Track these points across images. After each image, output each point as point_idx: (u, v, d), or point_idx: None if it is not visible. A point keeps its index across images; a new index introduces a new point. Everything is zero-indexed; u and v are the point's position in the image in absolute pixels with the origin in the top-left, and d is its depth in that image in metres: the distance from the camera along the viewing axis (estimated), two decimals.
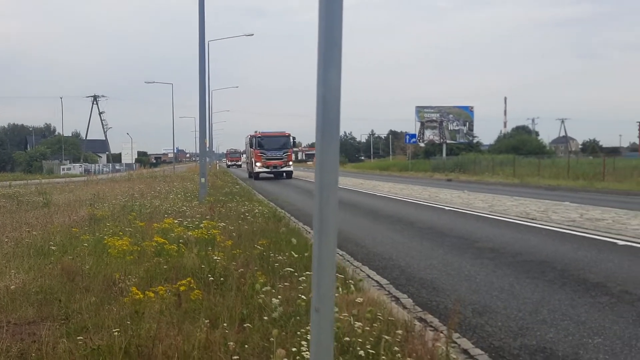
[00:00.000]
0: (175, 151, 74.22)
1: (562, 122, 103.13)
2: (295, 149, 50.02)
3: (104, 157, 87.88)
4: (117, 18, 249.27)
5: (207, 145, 24.78)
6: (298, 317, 4.38)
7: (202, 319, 4.25)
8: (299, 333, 3.96)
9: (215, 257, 6.33)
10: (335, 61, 2.10)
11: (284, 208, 15.76)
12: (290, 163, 38.67)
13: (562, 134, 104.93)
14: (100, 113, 77.67)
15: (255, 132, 39.35)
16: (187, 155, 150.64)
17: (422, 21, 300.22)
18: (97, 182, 28.95)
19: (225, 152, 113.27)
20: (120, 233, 8.40)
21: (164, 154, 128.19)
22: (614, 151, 78.19)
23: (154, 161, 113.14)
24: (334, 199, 2.14)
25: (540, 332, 4.95)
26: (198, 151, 22.75)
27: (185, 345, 3.71)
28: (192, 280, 4.83)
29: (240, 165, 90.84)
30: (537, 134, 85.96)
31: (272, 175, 38.63)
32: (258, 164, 37.73)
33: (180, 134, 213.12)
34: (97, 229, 9.27)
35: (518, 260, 8.16)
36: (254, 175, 38.16)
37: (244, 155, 56.39)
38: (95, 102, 76.61)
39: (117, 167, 68.61)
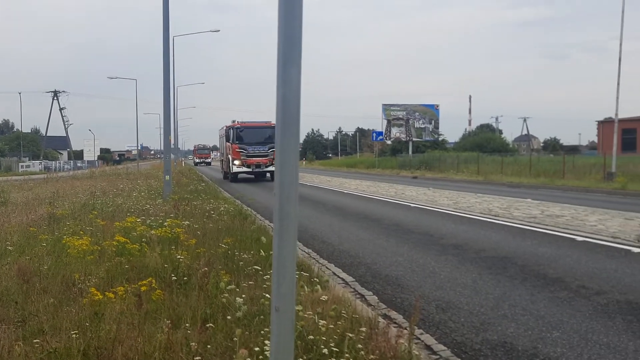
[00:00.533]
0: (139, 148, 73.01)
1: (525, 120, 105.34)
2: None
3: (65, 154, 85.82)
4: (81, 11, 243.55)
5: (172, 142, 24.37)
6: (262, 316, 4.35)
7: (164, 319, 4.18)
8: (262, 332, 3.93)
9: (179, 257, 6.24)
10: (295, 60, 2.08)
11: (250, 206, 15.67)
12: None
13: (525, 132, 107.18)
14: (61, 109, 75.67)
15: (234, 121, 31.65)
16: (152, 152, 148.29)
17: (389, 19, 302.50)
18: (58, 180, 28.22)
19: (192, 148, 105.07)
20: (81, 232, 8.21)
21: (127, 150, 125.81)
22: (574, 149, 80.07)
23: (117, 158, 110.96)
24: (295, 196, 2.12)
25: (501, 327, 5.04)
26: (162, 148, 22.42)
27: (146, 347, 3.64)
28: (153, 280, 4.75)
29: (209, 163, 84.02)
30: (500, 132, 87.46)
31: (252, 176, 32.16)
32: (236, 162, 30.46)
33: (145, 130, 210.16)
34: (57, 228, 9.03)
35: (481, 256, 8.30)
36: (231, 177, 31.38)
37: (214, 153, 52.72)
38: (55, 98, 74.63)
39: (78, 165, 67.07)
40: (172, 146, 29.89)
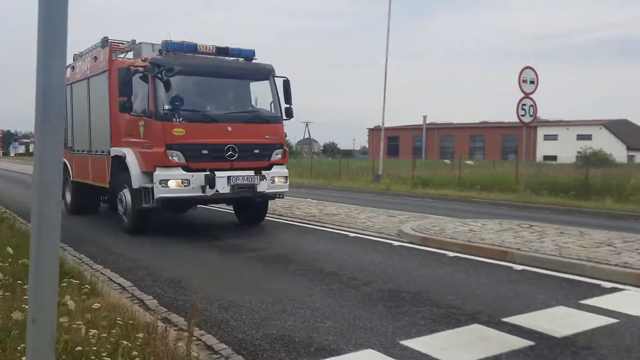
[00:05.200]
0: None
1: (307, 125, 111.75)
2: None
3: None
4: None
5: None
6: (17, 331, 3.87)
7: None
8: (19, 348, 3.50)
9: None
10: (58, 49, 1.87)
11: (9, 207, 13.88)
12: None
13: (307, 136, 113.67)
14: None
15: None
16: None
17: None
18: None
19: None
20: None
21: None
22: (349, 153, 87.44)
23: None
24: (57, 194, 1.91)
25: (280, 321, 5.23)
26: None
27: None
28: None
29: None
30: (285, 135, 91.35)
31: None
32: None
33: None
34: None
35: (266, 254, 8.55)
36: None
37: None
38: None
39: None
40: None
